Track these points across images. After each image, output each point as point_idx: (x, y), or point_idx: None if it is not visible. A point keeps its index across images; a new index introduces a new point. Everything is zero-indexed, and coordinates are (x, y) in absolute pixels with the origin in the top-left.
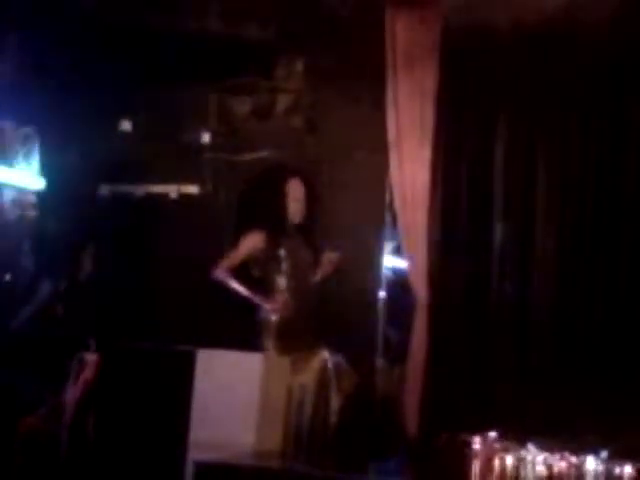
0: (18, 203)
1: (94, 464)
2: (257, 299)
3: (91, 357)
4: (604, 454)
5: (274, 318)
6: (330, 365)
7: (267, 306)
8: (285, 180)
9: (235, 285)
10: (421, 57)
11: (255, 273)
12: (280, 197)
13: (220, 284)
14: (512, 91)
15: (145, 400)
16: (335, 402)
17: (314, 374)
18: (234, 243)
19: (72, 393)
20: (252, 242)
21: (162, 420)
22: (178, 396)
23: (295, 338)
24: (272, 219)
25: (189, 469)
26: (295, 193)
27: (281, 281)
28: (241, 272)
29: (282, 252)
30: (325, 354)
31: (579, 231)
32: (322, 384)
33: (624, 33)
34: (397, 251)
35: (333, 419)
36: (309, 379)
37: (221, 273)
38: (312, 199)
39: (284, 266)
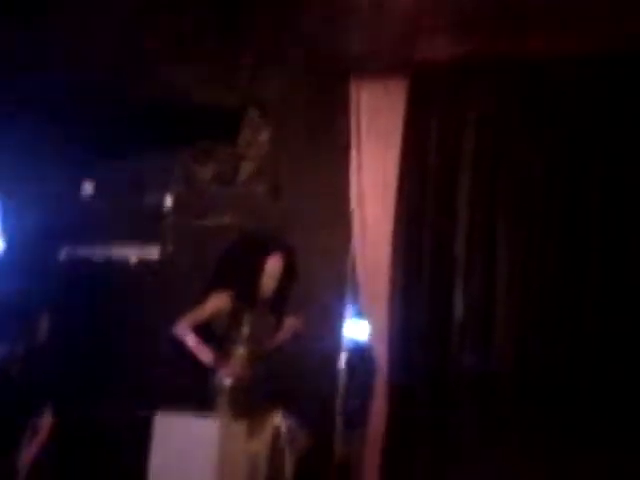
0: None
1: None
2: (212, 362)
3: (46, 420)
4: None
5: (228, 383)
6: (283, 430)
7: (222, 371)
8: (266, 255)
9: (193, 344)
10: (385, 126)
11: (217, 332)
12: (256, 273)
13: (179, 343)
14: (474, 166)
15: (101, 465)
16: (289, 468)
17: (267, 440)
18: (196, 302)
19: (26, 456)
20: (218, 303)
21: None
22: (134, 461)
23: (249, 403)
24: (243, 289)
25: None
26: (273, 271)
27: (239, 347)
28: (201, 331)
29: (245, 317)
30: (278, 419)
31: (541, 302)
32: (275, 449)
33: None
34: (360, 314)
35: None
36: (262, 445)
37: (182, 329)
38: (289, 275)
39: (244, 331)
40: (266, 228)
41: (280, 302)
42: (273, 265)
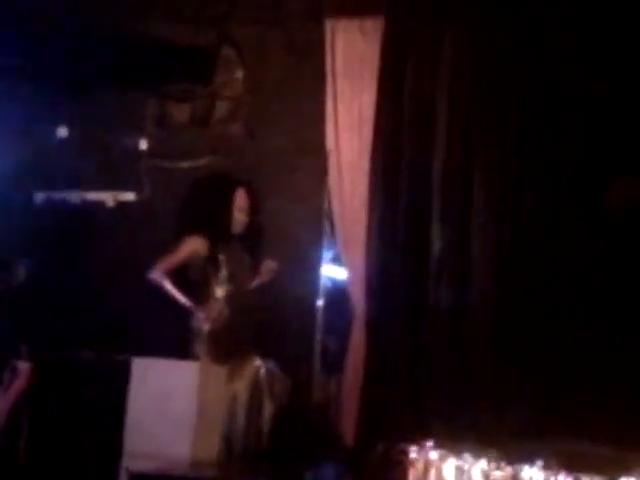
0: None
1: (26, 473)
2: (191, 306)
3: (24, 365)
4: (539, 463)
5: (207, 326)
6: (263, 372)
7: (200, 314)
8: (232, 190)
9: (170, 288)
10: (360, 67)
11: (192, 277)
12: (226, 206)
13: (156, 287)
14: (450, 103)
15: (79, 409)
16: (268, 410)
17: (246, 382)
18: (173, 246)
19: (4, 401)
20: (193, 246)
21: (97, 429)
22: (113, 405)
23: (228, 347)
24: (215, 226)
25: (123, 479)
26: (241, 203)
27: (218, 289)
28: (177, 276)
29: (221, 258)
30: (257, 362)
31: (516, 238)
32: (255, 392)
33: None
34: (336, 260)
35: (266, 427)
36: (242, 387)
37: (157, 274)
38: (255, 210)
39: (222, 273)
40: (241, 169)
41: (253, 240)
42: (240, 198)
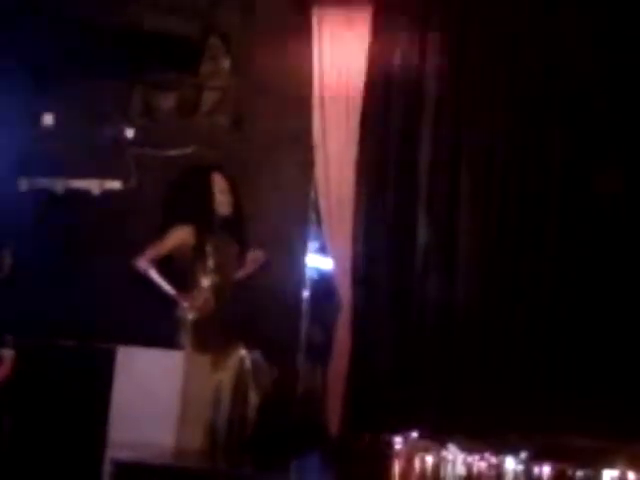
0: None
1: (10, 461)
2: (176, 295)
3: (8, 353)
4: (523, 454)
5: (192, 316)
6: (248, 362)
7: (185, 303)
8: (208, 174)
9: (156, 277)
10: (347, 59)
11: (178, 266)
12: (207, 190)
13: (142, 276)
14: (438, 94)
15: (64, 398)
16: (253, 400)
17: (231, 372)
18: (160, 234)
19: None
20: (181, 236)
21: (81, 418)
22: (97, 394)
23: (213, 337)
24: (200, 212)
25: (108, 468)
26: (221, 185)
27: (204, 279)
28: (163, 265)
29: (208, 248)
30: (242, 352)
31: (502, 232)
32: (239, 382)
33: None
34: (322, 250)
35: (251, 417)
36: (226, 377)
37: (144, 263)
38: (235, 193)
39: (209, 263)
40: (228, 159)
41: (239, 226)
42: (219, 180)
